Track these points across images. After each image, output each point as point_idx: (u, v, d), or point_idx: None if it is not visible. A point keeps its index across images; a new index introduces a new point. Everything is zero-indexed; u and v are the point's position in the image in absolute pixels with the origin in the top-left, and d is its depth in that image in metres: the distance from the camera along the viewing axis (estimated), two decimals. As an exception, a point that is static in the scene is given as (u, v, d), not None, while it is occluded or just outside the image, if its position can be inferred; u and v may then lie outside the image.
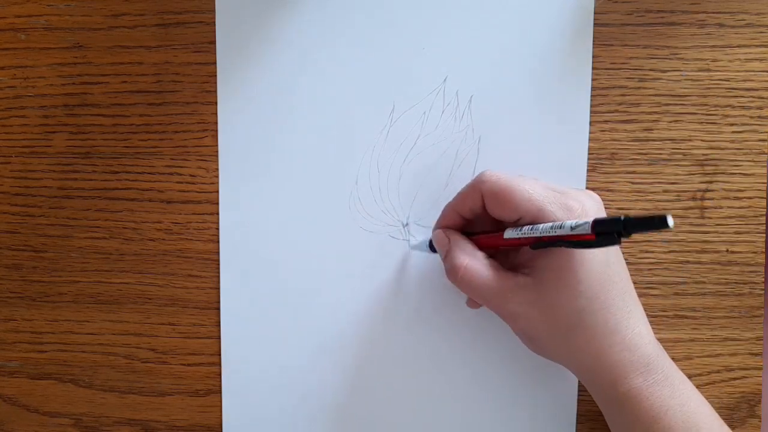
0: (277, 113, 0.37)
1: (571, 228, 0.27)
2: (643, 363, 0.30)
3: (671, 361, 0.31)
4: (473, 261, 0.31)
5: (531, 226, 0.29)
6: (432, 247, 0.35)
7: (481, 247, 0.32)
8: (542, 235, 0.28)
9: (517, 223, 0.31)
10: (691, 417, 0.30)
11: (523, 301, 0.30)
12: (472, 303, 0.35)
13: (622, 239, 0.25)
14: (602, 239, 0.26)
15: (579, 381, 0.37)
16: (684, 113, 0.36)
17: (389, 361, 0.37)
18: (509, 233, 0.30)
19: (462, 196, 0.33)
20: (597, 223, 0.26)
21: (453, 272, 0.32)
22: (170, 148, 0.37)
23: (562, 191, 0.31)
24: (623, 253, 0.36)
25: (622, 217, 0.24)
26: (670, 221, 0.22)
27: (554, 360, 0.33)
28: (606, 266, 0.30)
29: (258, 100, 0.37)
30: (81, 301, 0.38)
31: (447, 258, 0.32)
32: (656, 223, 0.23)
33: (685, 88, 0.36)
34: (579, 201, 0.30)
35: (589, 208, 0.30)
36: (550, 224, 0.28)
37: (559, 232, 0.28)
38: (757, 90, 0.35)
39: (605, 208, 0.36)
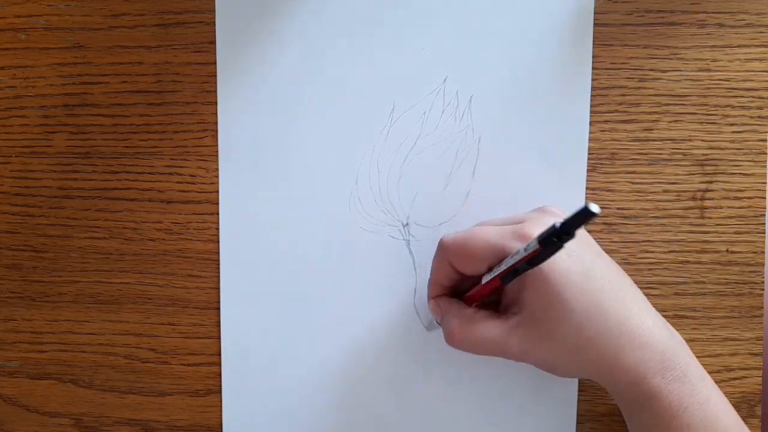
0: (277, 113, 0.37)
1: (525, 250, 0.27)
2: (658, 360, 0.29)
3: (690, 352, 0.31)
4: (462, 321, 0.32)
5: (498, 265, 0.30)
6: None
7: (472, 302, 0.33)
8: (505, 267, 0.29)
9: (489, 270, 0.31)
10: (710, 415, 0.29)
11: (523, 338, 0.31)
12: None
13: (567, 241, 0.25)
14: (548, 248, 0.26)
15: (578, 381, 0.37)
16: (684, 113, 0.36)
17: (389, 360, 0.37)
18: (484, 279, 0.31)
19: (435, 268, 0.34)
20: (540, 237, 0.26)
21: (450, 338, 0.32)
22: (170, 148, 0.37)
23: (521, 220, 0.31)
24: (620, 254, 0.36)
25: (558, 223, 0.25)
26: (594, 208, 0.23)
27: (583, 378, 0.33)
28: (586, 276, 0.30)
29: (258, 100, 0.37)
30: (81, 301, 0.38)
31: (443, 325, 0.33)
32: (584, 215, 0.23)
33: (685, 88, 0.36)
34: (537, 223, 0.30)
35: (548, 224, 0.30)
36: (510, 256, 0.29)
37: (516, 258, 0.28)
38: (757, 90, 0.35)
39: (605, 208, 0.36)
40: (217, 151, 0.37)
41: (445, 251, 0.33)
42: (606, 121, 0.36)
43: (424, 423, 0.37)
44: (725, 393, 0.32)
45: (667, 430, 0.29)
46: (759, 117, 0.35)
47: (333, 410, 0.37)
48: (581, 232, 0.31)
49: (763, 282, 0.36)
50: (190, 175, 0.37)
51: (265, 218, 0.37)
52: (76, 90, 0.37)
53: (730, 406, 0.31)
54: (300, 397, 0.37)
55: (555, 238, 0.25)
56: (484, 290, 0.32)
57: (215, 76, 0.37)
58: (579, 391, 0.37)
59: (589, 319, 0.29)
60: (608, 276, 0.31)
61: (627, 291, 0.31)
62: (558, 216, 0.32)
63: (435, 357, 0.37)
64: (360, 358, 0.37)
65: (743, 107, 0.35)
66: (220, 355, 0.38)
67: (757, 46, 0.35)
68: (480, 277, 0.32)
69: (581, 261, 0.30)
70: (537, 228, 0.29)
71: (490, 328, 0.31)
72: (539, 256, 0.27)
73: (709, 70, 0.35)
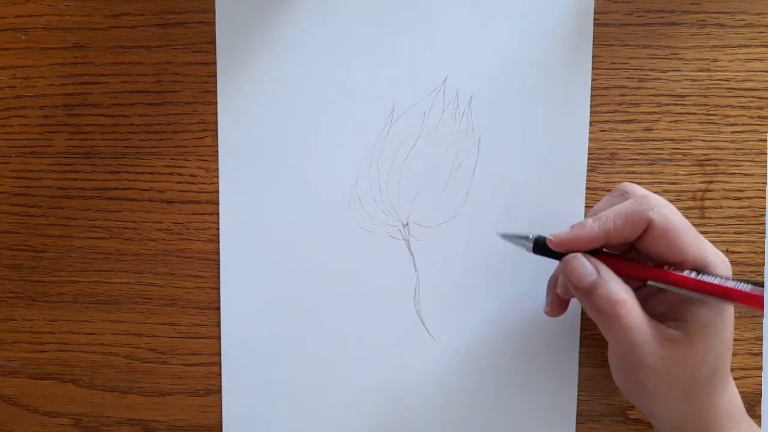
0: (277, 113, 0.37)
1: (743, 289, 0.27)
2: (738, 413, 0.30)
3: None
4: (632, 299, 0.28)
5: (707, 274, 0.28)
6: (539, 250, 0.31)
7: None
8: (716, 283, 0.27)
9: (677, 266, 0.29)
10: None
11: (669, 357, 0.28)
12: (558, 307, 0.32)
13: None
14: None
15: (578, 381, 0.37)
16: (684, 113, 0.36)
17: (389, 360, 0.37)
18: (686, 274, 0.28)
19: (622, 219, 0.29)
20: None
21: (609, 305, 0.28)
22: (170, 148, 0.37)
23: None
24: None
25: None
26: None
27: (649, 411, 0.31)
28: (730, 316, 0.29)
29: (258, 100, 0.37)
30: (81, 301, 0.38)
31: (597, 289, 0.28)
32: None
33: (685, 88, 0.36)
34: (722, 260, 0.29)
35: (729, 265, 0.29)
36: (720, 278, 0.28)
37: (728, 284, 0.27)
38: (757, 90, 0.35)
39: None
40: (217, 151, 0.37)
41: (651, 212, 0.28)
42: (606, 121, 0.36)
43: (423, 423, 0.37)
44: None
45: None
46: (759, 117, 0.35)
47: (333, 410, 0.37)
48: None
49: (764, 282, 0.36)
50: (190, 175, 0.37)
51: (265, 218, 0.37)
52: (76, 90, 0.37)
53: None
54: (300, 397, 0.37)
55: None
56: (645, 276, 0.29)
57: (215, 76, 0.37)
58: (579, 391, 0.37)
59: (720, 366, 0.29)
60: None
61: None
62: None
63: (434, 357, 0.37)
64: (360, 358, 0.37)
65: (743, 107, 0.35)
66: (220, 355, 0.38)
67: (757, 46, 0.35)
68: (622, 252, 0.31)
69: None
70: (723, 264, 0.29)
71: (654, 325, 0.28)
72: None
73: (709, 70, 0.35)
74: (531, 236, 0.31)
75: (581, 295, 0.29)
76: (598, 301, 0.28)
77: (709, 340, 0.28)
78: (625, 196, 0.30)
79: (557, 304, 0.33)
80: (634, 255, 0.31)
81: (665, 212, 0.28)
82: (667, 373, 0.28)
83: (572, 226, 0.30)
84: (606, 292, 0.28)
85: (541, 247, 0.31)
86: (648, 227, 0.28)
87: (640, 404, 0.31)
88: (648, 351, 0.28)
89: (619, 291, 0.28)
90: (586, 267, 0.29)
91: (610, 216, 0.29)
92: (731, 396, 0.31)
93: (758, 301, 0.26)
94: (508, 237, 0.32)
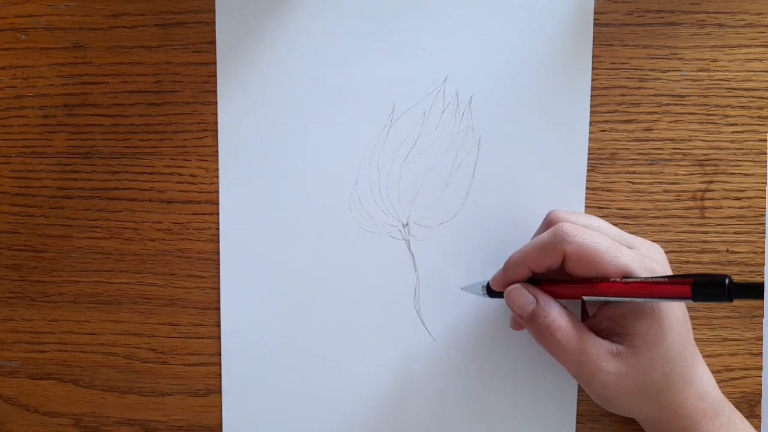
0: (277, 113, 0.37)
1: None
2: (711, 408, 0.31)
3: (730, 403, 0.32)
4: (567, 322, 0.30)
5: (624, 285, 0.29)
6: (491, 293, 0.33)
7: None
8: (639, 281, 0.28)
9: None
10: None
11: (617, 370, 0.29)
12: (517, 325, 0.34)
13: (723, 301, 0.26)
14: (709, 299, 0.26)
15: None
16: (684, 113, 0.36)
17: (388, 360, 0.37)
18: (612, 281, 0.29)
19: (539, 252, 0.30)
20: (698, 285, 0.26)
21: (549, 332, 0.30)
22: (170, 148, 0.37)
23: (630, 243, 0.31)
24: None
25: (726, 281, 0.25)
26: None
27: (626, 415, 0.33)
28: (684, 323, 0.30)
29: (258, 100, 0.37)
30: (81, 301, 0.38)
31: (537, 317, 0.30)
32: (758, 294, 0.24)
33: (685, 88, 0.36)
34: (656, 261, 0.30)
35: (664, 263, 0.31)
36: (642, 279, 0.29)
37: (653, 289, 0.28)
38: (757, 90, 0.35)
39: (605, 207, 0.36)
40: (217, 151, 0.37)
41: (564, 243, 0.29)
42: (606, 121, 0.36)
43: (423, 423, 0.37)
44: (725, 393, 0.33)
45: None
46: (759, 117, 0.35)
47: (332, 411, 0.37)
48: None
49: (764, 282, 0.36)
50: (190, 175, 0.37)
51: (265, 218, 0.37)
52: (76, 90, 0.37)
53: None
54: (300, 398, 0.37)
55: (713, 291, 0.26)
56: (578, 294, 0.30)
57: (215, 76, 0.37)
58: (579, 391, 0.37)
59: (676, 366, 0.30)
60: (687, 321, 0.31)
61: (693, 342, 0.32)
62: (663, 254, 0.32)
63: (434, 356, 0.37)
64: (359, 358, 0.37)
65: (743, 107, 0.35)
66: (220, 355, 0.38)
67: (757, 46, 0.35)
68: (555, 274, 0.31)
69: (683, 307, 0.31)
70: (656, 264, 0.30)
71: (592, 341, 0.30)
72: (696, 298, 0.27)
73: (709, 70, 0.35)
74: (484, 283, 0.34)
75: (526, 323, 0.31)
76: (538, 328, 0.30)
77: (654, 348, 0.29)
78: (549, 225, 0.32)
79: (517, 322, 0.34)
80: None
81: (578, 239, 0.29)
82: (619, 385, 0.30)
83: (504, 263, 0.32)
84: (544, 320, 0.30)
85: (491, 290, 0.33)
86: (565, 256, 0.30)
87: (613, 411, 0.33)
88: (594, 369, 0.29)
89: (556, 317, 0.30)
90: (525, 297, 0.31)
91: (530, 249, 0.31)
92: (702, 393, 0.31)
93: (681, 291, 0.27)
94: (467, 288, 0.35)
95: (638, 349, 0.29)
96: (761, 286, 0.24)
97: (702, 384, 0.31)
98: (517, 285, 0.31)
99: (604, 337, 0.30)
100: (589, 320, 0.32)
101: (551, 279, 0.32)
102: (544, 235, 0.31)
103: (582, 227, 0.30)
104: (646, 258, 0.30)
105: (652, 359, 0.29)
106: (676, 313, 0.30)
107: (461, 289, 0.36)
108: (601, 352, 0.30)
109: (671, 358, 0.30)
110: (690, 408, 0.31)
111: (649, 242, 0.32)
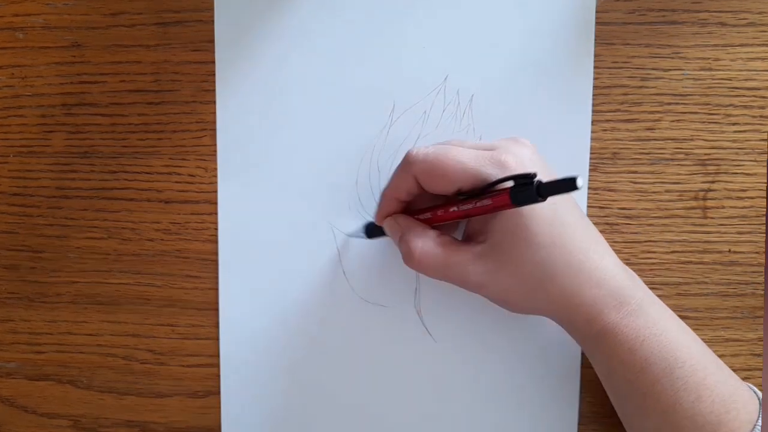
0: (276, 112, 0.36)
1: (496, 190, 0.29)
2: (614, 296, 0.30)
3: (647, 289, 0.31)
4: (426, 242, 0.31)
5: (472, 195, 0.30)
6: (369, 233, 0.36)
7: (431, 224, 0.32)
8: (477, 206, 0.29)
9: (458, 193, 0.31)
10: (668, 346, 0.29)
11: (485, 269, 0.30)
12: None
13: (539, 202, 0.27)
14: (522, 202, 0.28)
15: (580, 382, 0.36)
16: (686, 113, 0.35)
17: (388, 358, 0.37)
18: (461, 206, 0.30)
19: (395, 182, 0.33)
20: (513, 190, 0.27)
21: (409, 257, 0.32)
22: (169, 147, 0.37)
23: (492, 147, 0.31)
24: (622, 254, 0.36)
25: (535, 182, 0.26)
26: (580, 182, 0.24)
27: (534, 314, 0.32)
28: (554, 211, 0.30)
29: (257, 99, 0.36)
30: (79, 302, 0.38)
31: (401, 244, 0.32)
32: (568, 187, 0.25)
33: (687, 88, 0.35)
34: (512, 153, 0.30)
35: (524, 156, 0.30)
36: (487, 190, 0.29)
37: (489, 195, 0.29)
38: (759, 89, 0.35)
39: (607, 207, 0.36)
40: (215, 151, 0.37)
41: (411, 165, 0.31)
42: (608, 121, 0.36)
43: (422, 422, 0.37)
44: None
45: (627, 365, 0.30)
46: (761, 116, 0.35)
47: (332, 411, 0.37)
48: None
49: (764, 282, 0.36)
50: (189, 175, 0.37)
51: (263, 218, 0.37)
52: (75, 89, 0.37)
53: (694, 336, 0.31)
54: (299, 399, 0.37)
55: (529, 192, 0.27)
56: (449, 215, 0.31)
57: (214, 75, 0.36)
58: (581, 391, 0.36)
59: (552, 254, 0.30)
60: (575, 214, 0.31)
61: (589, 231, 0.31)
62: (527, 147, 0.31)
63: (434, 356, 0.37)
64: (359, 359, 0.37)
65: (745, 106, 0.35)
66: (218, 356, 0.38)
67: (759, 45, 0.35)
68: (435, 197, 0.32)
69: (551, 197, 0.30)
70: (511, 157, 0.30)
71: (453, 253, 0.31)
72: (515, 202, 0.28)
73: (711, 69, 0.35)
74: (362, 226, 0.36)
75: (400, 249, 0.33)
76: (403, 255, 0.32)
77: (519, 240, 0.30)
78: (514, 140, 0.32)
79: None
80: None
81: (420, 158, 0.31)
82: (495, 281, 0.31)
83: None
84: (405, 246, 0.32)
85: (370, 229, 0.36)
86: (416, 177, 0.31)
87: (518, 312, 0.32)
88: (463, 273, 0.31)
89: (411, 241, 0.32)
90: (392, 227, 0.33)
91: (391, 181, 0.33)
92: (597, 280, 0.30)
93: (502, 201, 0.28)
94: (352, 234, 0.36)
95: (501, 243, 0.30)
96: (570, 179, 0.24)
97: (599, 272, 0.30)
98: (388, 217, 0.34)
99: (476, 241, 0.31)
100: (466, 228, 0.33)
101: (421, 208, 0.33)
102: (397, 167, 0.32)
103: (428, 146, 0.31)
104: (500, 152, 0.30)
105: (519, 249, 0.30)
106: (541, 205, 0.29)
107: (347, 235, 0.36)
108: (466, 257, 0.31)
109: (540, 246, 0.29)
110: (588, 297, 0.30)
111: (514, 139, 0.32)
